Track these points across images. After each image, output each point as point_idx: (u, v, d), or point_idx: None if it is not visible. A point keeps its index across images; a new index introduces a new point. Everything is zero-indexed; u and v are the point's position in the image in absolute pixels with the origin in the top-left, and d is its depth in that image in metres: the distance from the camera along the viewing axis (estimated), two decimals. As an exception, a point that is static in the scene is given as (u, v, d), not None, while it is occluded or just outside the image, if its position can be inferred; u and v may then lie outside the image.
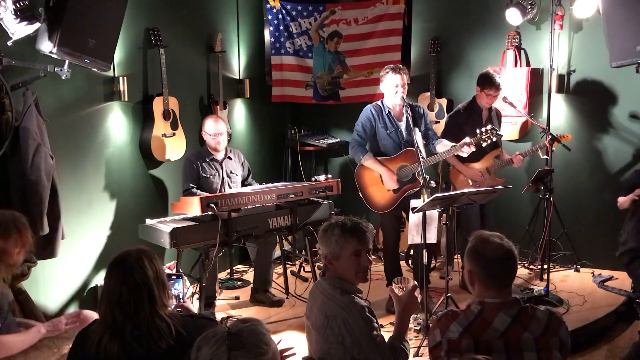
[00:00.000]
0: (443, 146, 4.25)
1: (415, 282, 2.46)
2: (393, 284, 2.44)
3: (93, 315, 2.92)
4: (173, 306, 2.58)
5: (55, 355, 2.77)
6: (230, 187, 4.49)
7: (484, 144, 4.13)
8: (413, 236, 3.92)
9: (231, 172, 4.54)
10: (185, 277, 3.86)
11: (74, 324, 2.78)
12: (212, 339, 1.55)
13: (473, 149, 4.08)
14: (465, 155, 4.14)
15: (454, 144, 4.17)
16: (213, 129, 4.38)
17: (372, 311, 2.38)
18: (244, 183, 4.65)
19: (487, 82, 4.41)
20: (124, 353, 1.94)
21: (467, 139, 4.07)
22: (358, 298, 2.37)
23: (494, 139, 4.12)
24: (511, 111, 4.82)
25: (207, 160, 4.44)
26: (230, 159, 4.56)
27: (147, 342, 1.94)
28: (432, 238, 3.85)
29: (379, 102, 4.33)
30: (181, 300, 2.60)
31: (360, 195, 4.34)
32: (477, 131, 4.09)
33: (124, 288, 1.98)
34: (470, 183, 4.46)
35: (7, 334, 2.57)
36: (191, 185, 4.35)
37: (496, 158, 4.54)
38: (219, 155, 4.48)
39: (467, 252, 2.11)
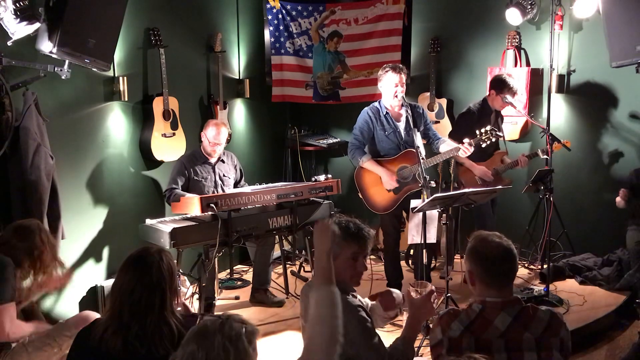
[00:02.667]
0: (447, 145, 4.24)
1: (433, 288, 2.42)
2: (410, 287, 2.42)
3: (94, 315, 2.95)
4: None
5: (57, 355, 2.78)
6: (223, 190, 4.48)
7: (484, 145, 4.13)
8: (413, 236, 3.92)
9: (224, 175, 4.52)
10: (185, 277, 3.86)
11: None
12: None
13: (472, 149, 4.08)
14: (464, 155, 4.14)
15: (457, 144, 4.17)
16: (213, 137, 4.36)
17: (367, 311, 2.37)
18: (235, 186, 4.63)
19: (507, 89, 4.44)
20: (125, 350, 1.94)
21: (466, 140, 4.08)
22: (352, 298, 2.35)
23: (494, 140, 4.12)
24: (511, 111, 4.82)
25: (200, 163, 4.43)
26: (223, 162, 4.54)
27: (149, 344, 1.94)
28: (432, 238, 3.85)
29: (376, 104, 4.31)
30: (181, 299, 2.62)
31: (360, 196, 4.34)
32: (477, 132, 4.09)
33: (138, 285, 1.97)
34: (479, 182, 4.47)
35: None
36: (173, 186, 4.32)
37: (502, 160, 4.57)
38: (212, 159, 4.47)
39: (467, 252, 2.12)
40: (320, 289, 1.89)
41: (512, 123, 5.12)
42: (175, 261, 3.85)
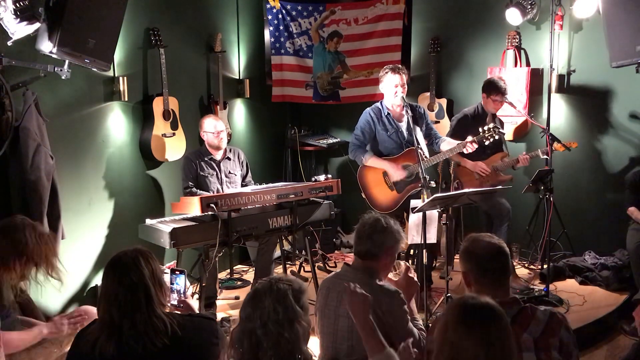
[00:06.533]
0: (448, 144, 4.26)
1: (406, 263, 2.63)
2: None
3: (94, 310, 2.94)
4: (175, 301, 2.58)
5: (57, 352, 2.78)
6: (228, 188, 4.48)
7: (487, 142, 4.15)
8: (413, 236, 3.92)
9: (230, 173, 4.52)
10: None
11: (76, 324, 2.81)
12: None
13: (475, 146, 4.09)
14: (468, 152, 4.15)
15: (458, 141, 4.19)
16: (214, 127, 4.35)
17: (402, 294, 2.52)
18: (242, 181, 4.64)
19: (493, 89, 4.47)
20: (120, 352, 1.94)
21: (469, 138, 4.09)
22: (387, 284, 2.49)
23: (497, 137, 4.14)
24: (511, 111, 4.83)
25: (206, 159, 4.43)
26: (229, 159, 4.54)
27: (143, 340, 1.95)
28: (432, 238, 3.85)
29: (378, 104, 4.33)
30: (182, 296, 2.62)
31: (363, 196, 4.34)
32: (480, 129, 4.11)
33: (120, 288, 1.99)
34: (477, 177, 4.48)
35: (10, 331, 2.59)
36: (191, 184, 4.34)
37: (502, 160, 4.58)
38: (218, 156, 4.47)
39: (460, 253, 2.20)
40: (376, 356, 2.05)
41: (513, 123, 5.12)
42: (175, 261, 3.89)
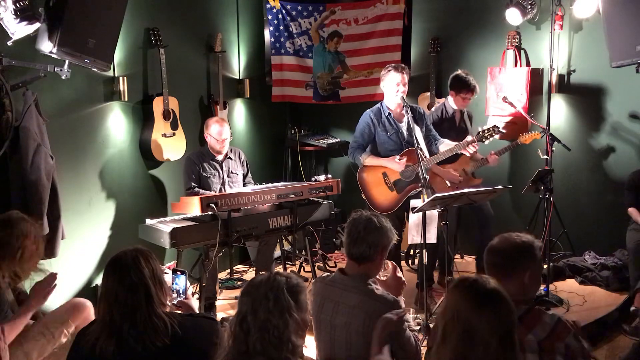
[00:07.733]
0: (446, 146, 4.25)
1: (393, 263, 2.62)
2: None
3: (85, 302, 2.92)
4: (176, 301, 2.59)
5: (50, 344, 2.77)
6: (230, 187, 4.49)
7: (486, 142, 4.14)
8: (413, 236, 3.92)
9: (231, 172, 4.53)
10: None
11: (51, 286, 2.79)
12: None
13: (477, 146, 4.09)
14: (469, 153, 4.15)
15: (456, 142, 4.18)
16: (219, 133, 4.33)
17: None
18: (243, 180, 4.64)
19: (464, 86, 4.45)
20: (120, 352, 1.95)
21: (469, 138, 4.09)
22: (388, 294, 2.45)
23: (496, 136, 4.13)
24: (509, 110, 4.82)
25: (208, 160, 4.43)
26: (231, 159, 4.54)
27: (144, 339, 1.96)
28: (432, 238, 3.85)
29: (378, 105, 4.32)
30: (182, 296, 2.61)
31: (364, 197, 4.33)
32: (479, 129, 4.11)
33: (120, 287, 1.99)
34: (449, 185, 4.42)
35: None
36: (193, 184, 4.34)
37: (471, 158, 4.54)
38: (219, 156, 4.47)
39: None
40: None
41: (512, 122, 5.11)
42: (175, 261, 3.89)
